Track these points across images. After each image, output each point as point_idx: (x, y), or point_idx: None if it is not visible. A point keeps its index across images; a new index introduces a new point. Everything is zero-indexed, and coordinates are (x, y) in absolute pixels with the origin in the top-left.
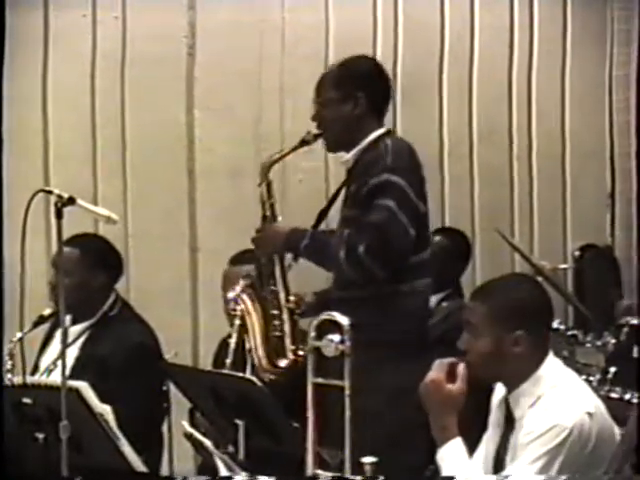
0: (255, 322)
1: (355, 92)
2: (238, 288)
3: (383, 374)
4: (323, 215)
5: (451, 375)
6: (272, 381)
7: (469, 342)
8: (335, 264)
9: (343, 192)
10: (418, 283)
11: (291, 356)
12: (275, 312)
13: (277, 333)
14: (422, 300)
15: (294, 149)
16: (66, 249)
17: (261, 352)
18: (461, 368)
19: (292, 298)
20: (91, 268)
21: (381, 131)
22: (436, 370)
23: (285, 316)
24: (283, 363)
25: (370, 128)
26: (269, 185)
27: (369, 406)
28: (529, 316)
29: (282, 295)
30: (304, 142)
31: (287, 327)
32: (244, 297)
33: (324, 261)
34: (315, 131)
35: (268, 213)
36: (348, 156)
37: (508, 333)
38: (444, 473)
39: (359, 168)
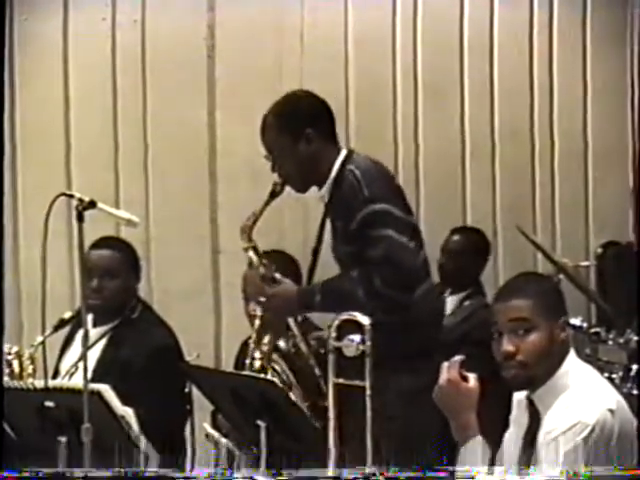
0: (291, 380)
1: (303, 130)
2: (260, 353)
3: (401, 378)
4: (317, 253)
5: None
6: None
7: (517, 342)
8: (356, 305)
9: (328, 224)
10: (421, 289)
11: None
12: (302, 362)
13: (309, 373)
14: (430, 303)
15: (266, 204)
16: (104, 252)
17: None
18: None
19: (313, 343)
20: (132, 269)
21: (343, 156)
22: (450, 370)
23: (312, 361)
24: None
25: (331, 157)
26: (255, 248)
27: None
28: (564, 303)
29: (303, 345)
30: (274, 194)
31: (317, 370)
32: (275, 367)
33: (344, 308)
34: (279, 180)
35: (264, 272)
36: (322, 192)
37: (556, 320)
38: (466, 472)
39: (337, 202)
